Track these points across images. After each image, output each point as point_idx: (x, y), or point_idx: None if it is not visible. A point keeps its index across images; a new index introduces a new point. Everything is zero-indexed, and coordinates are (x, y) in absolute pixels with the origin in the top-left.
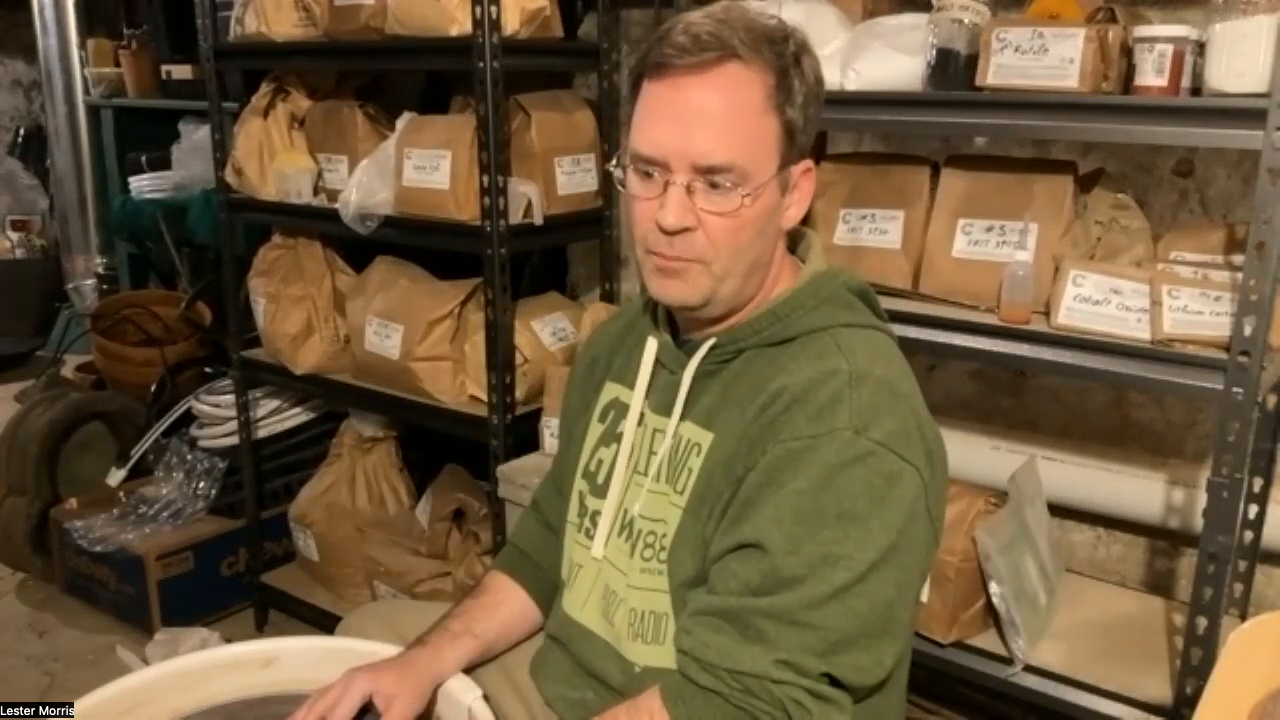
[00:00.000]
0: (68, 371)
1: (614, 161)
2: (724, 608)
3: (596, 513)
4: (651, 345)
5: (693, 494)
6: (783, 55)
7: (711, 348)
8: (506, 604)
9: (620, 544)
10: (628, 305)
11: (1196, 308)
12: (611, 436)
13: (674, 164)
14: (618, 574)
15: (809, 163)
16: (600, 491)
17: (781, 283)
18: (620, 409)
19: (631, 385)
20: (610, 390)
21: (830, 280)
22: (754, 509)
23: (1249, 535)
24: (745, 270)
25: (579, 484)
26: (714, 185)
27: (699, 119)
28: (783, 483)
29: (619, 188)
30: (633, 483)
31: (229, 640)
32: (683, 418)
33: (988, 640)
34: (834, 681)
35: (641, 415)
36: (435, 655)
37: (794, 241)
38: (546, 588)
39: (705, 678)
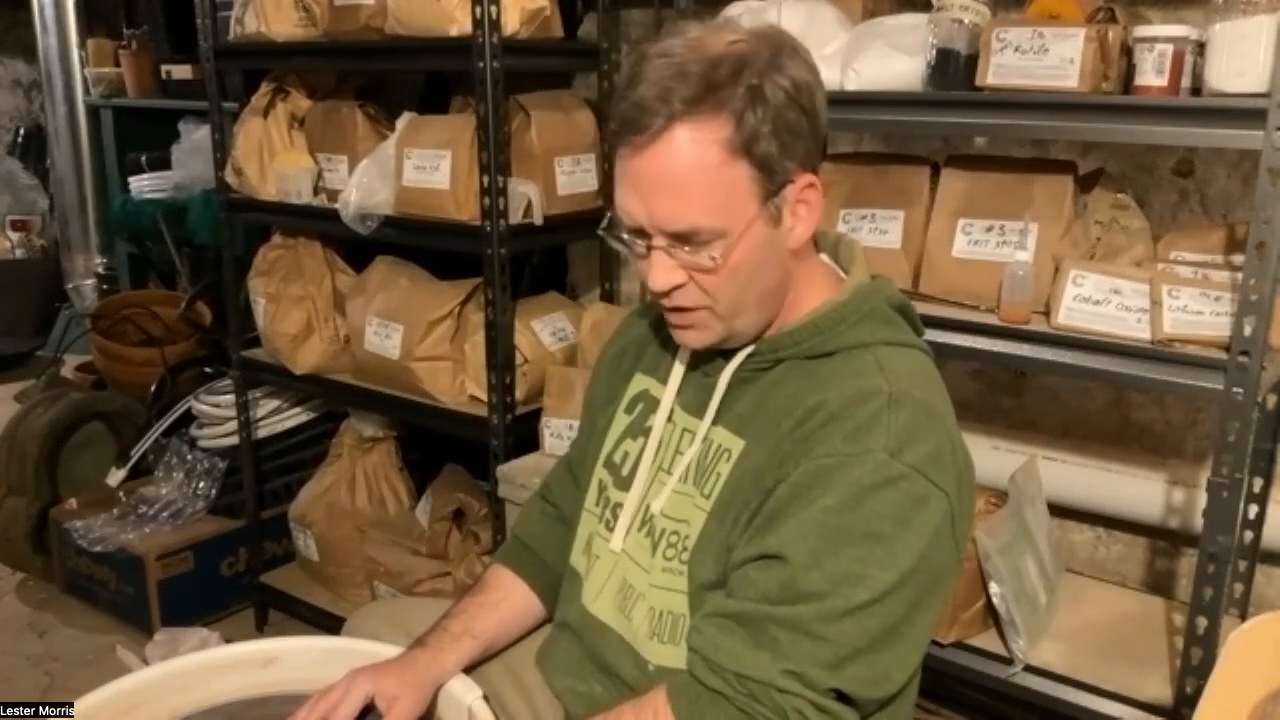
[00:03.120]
0: (68, 371)
1: (604, 224)
2: (739, 611)
3: (618, 505)
4: None
5: (719, 499)
6: (736, 97)
7: (749, 355)
8: (507, 601)
9: (641, 540)
10: None
11: (1196, 308)
12: (639, 430)
13: (648, 230)
14: (638, 570)
15: (808, 176)
16: (624, 484)
17: (819, 293)
18: (650, 402)
19: (663, 380)
20: (640, 382)
21: (873, 294)
22: (780, 521)
23: (1249, 535)
24: (755, 302)
25: (599, 473)
26: (689, 245)
27: (655, 189)
28: (812, 499)
29: (612, 245)
30: (656, 480)
31: (229, 640)
32: (715, 422)
33: (988, 640)
34: (841, 696)
35: (671, 412)
36: (436, 657)
37: (833, 246)
38: (550, 582)
39: (712, 679)
